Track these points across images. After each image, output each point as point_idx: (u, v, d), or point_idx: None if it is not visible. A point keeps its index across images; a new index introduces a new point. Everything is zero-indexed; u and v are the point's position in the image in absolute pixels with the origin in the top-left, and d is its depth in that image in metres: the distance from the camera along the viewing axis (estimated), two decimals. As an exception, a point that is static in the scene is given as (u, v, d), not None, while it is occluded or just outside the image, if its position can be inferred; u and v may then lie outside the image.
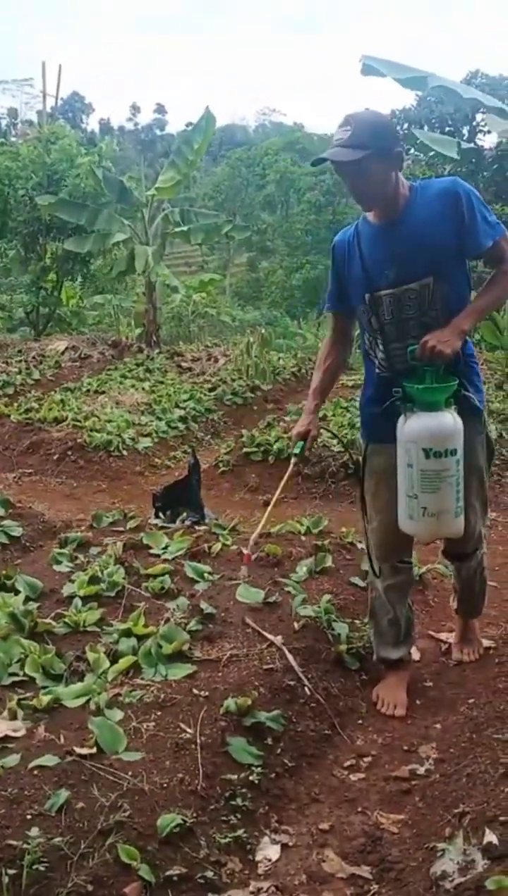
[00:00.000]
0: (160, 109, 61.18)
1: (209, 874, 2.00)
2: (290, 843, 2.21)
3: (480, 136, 16.20)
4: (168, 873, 1.94)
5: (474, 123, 16.81)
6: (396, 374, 2.79)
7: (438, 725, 2.80)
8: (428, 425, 2.68)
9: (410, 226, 2.69)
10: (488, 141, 13.92)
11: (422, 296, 2.71)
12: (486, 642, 3.36)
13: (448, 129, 15.19)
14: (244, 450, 6.31)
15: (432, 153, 10.74)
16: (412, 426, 2.71)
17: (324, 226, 32.46)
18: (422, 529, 2.82)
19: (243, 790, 2.28)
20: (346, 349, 3.23)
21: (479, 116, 16.84)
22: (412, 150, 13.39)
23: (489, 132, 15.65)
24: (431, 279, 2.70)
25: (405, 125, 17.10)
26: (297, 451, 3.05)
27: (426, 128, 12.90)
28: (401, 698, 3.01)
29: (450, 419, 2.70)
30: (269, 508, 3.20)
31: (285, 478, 3.11)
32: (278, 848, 2.18)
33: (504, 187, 9.08)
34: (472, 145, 11.27)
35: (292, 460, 3.08)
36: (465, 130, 15.82)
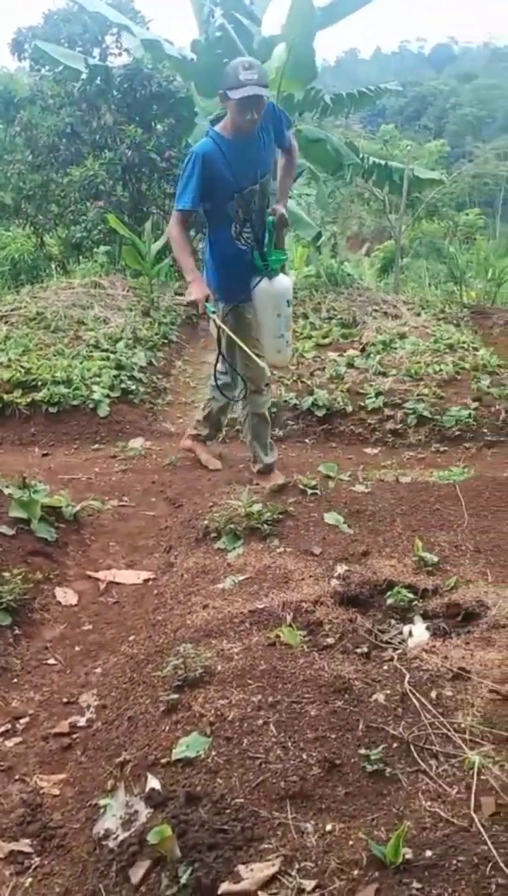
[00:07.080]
0: None
1: None
2: None
3: (111, 58, 15.76)
4: None
5: (104, 46, 16.33)
6: (255, 245, 3.97)
7: (98, 670, 2.68)
8: (288, 283, 4.06)
9: (260, 139, 3.83)
10: (118, 62, 13.54)
11: (265, 187, 3.95)
12: (144, 574, 3.34)
13: (78, 49, 14.54)
14: None
15: (60, 68, 10.09)
16: (282, 285, 4.01)
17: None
18: (286, 357, 4.33)
19: None
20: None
21: (109, 39, 16.42)
22: (42, 70, 12.64)
23: (119, 55, 15.29)
24: (268, 175, 3.98)
25: (32, 42, 16.11)
26: (212, 308, 3.91)
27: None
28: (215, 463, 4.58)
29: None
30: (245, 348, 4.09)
31: (221, 327, 3.95)
32: None
33: (135, 109, 8.80)
34: (101, 62, 10.90)
35: (216, 315, 3.93)
36: (96, 53, 15.28)
